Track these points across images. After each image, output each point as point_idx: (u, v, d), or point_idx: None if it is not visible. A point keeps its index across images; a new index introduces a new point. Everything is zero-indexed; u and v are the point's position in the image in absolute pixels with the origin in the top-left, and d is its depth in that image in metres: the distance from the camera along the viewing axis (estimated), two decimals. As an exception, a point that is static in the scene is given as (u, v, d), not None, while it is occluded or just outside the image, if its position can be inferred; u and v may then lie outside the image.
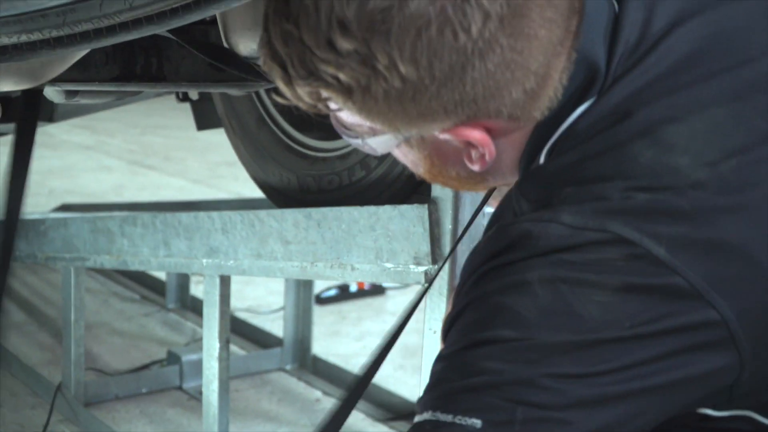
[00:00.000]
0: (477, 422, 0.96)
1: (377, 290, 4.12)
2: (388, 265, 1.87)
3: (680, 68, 1.06)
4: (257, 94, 2.38)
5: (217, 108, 2.53)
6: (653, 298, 0.96)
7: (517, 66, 1.00)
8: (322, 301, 3.96)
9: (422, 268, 1.81)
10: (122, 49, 1.84)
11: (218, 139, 2.95)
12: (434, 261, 1.77)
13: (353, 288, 4.09)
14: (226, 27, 1.68)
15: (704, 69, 1.06)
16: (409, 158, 1.20)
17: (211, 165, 6.30)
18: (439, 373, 1.05)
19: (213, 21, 1.77)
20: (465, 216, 1.74)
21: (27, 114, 1.96)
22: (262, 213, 2.13)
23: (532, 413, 0.96)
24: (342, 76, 1.00)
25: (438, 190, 1.75)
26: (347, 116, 1.10)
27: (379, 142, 1.15)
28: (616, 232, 0.97)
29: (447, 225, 1.76)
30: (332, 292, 4.03)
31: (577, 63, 1.05)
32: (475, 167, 1.15)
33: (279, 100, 1.10)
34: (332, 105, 1.08)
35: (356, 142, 1.16)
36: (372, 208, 1.88)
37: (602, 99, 1.06)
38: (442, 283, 1.78)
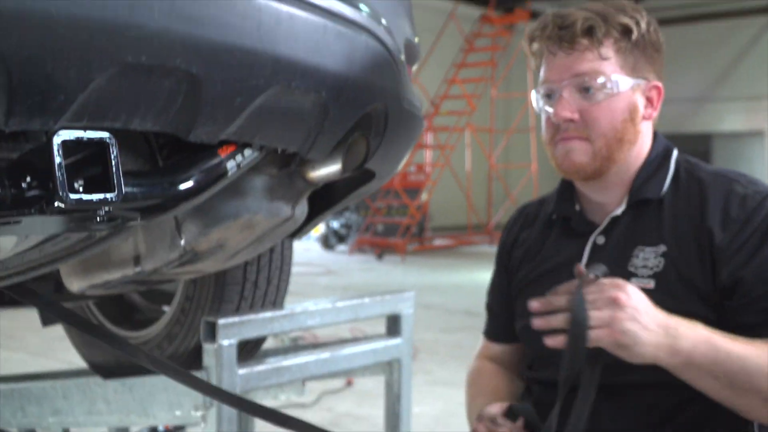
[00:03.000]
0: None
1: (179, 428, 4.36)
2: (178, 413, 2.22)
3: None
4: (86, 303, 2.66)
5: (56, 311, 2.82)
6: None
7: None
8: (139, 441, 4.21)
9: (200, 412, 2.19)
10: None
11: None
12: (206, 408, 2.18)
13: (161, 428, 4.36)
14: (61, 273, 2.05)
15: None
16: (626, 102, 1.64)
17: (47, 340, 6.42)
18: None
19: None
20: (223, 379, 2.15)
21: None
22: (91, 382, 2.49)
23: None
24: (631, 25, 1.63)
25: (207, 360, 2.18)
26: (608, 67, 1.62)
27: (623, 81, 1.62)
28: None
29: (213, 383, 2.14)
30: (146, 434, 4.29)
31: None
32: (644, 123, 1.68)
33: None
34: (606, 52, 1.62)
35: (607, 84, 1.62)
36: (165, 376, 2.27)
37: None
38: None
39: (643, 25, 1.65)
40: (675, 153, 1.73)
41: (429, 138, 16.55)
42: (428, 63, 15.14)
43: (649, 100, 1.68)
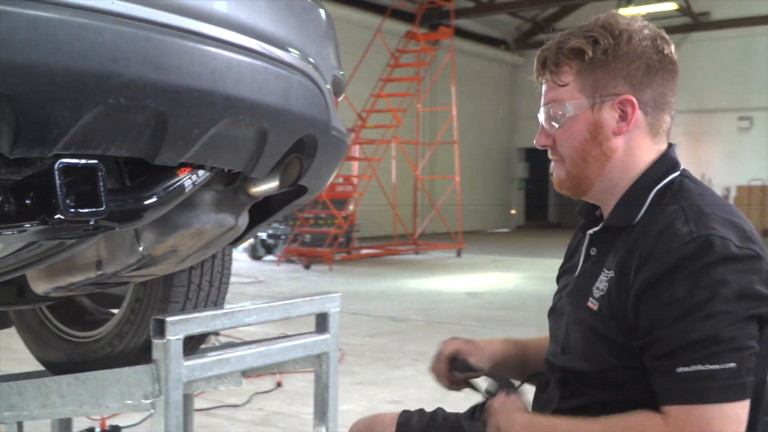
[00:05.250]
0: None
1: (115, 429, 4.49)
2: (129, 401, 2.47)
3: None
4: (41, 307, 2.88)
5: (10, 314, 3.00)
6: None
7: (668, 107, 1.65)
8: (78, 439, 4.40)
9: (149, 401, 2.42)
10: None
11: None
12: (155, 396, 2.43)
13: (97, 429, 4.55)
14: (28, 277, 2.30)
15: None
16: (585, 123, 1.62)
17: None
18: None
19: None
20: (170, 370, 2.42)
21: None
22: (46, 379, 2.70)
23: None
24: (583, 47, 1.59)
25: (156, 354, 2.44)
26: (565, 93, 1.62)
27: (578, 104, 1.61)
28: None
29: (162, 374, 2.42)
30: (85, 433, 4.48)
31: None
32: (617, 139, 1.62)
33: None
34: (565, 78, 1.62)
35: (565, 110, 1.63)
36: (117, 370, 2.44)
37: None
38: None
39: (605, 42, 1.60)
40: (670, 177, 1.67)
41: (356, 150, 16.86)
42: (355, 77, 15.47)
43: (622, 114, 1.64)
